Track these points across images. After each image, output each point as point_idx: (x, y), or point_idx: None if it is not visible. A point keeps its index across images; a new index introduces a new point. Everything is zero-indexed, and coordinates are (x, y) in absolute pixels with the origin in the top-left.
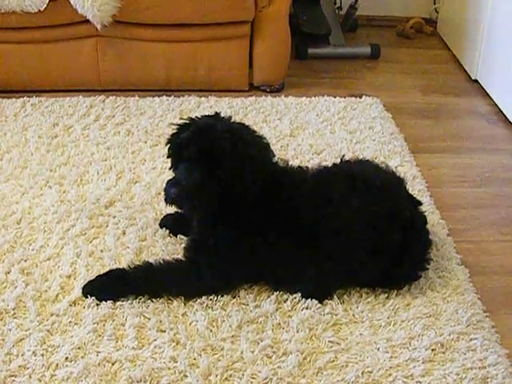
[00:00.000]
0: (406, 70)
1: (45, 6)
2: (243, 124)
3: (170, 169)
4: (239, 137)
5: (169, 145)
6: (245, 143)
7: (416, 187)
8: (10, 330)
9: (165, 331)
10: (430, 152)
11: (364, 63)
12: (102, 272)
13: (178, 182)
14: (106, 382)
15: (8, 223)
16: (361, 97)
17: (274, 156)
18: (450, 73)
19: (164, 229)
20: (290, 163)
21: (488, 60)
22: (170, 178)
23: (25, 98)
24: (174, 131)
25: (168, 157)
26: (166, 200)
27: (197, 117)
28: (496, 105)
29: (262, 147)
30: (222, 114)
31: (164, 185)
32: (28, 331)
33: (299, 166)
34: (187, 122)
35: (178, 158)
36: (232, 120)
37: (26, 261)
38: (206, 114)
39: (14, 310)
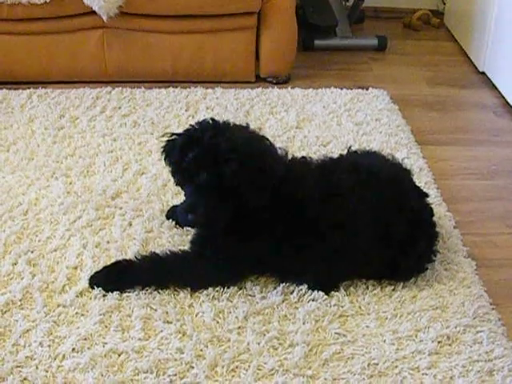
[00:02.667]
0: (413, 61)
1: None
2: (243, 128)
3: (176, 184)
4: (246, 154)
5: (167, 158)
6: (252, 159)
7: (423, 179)
8: (16, 321)
9: (171, 322)
10: (437, 144)
11: (371, 55)
12: (108, 263)
13: (192, 208)
14: (112, 372)
15: (14, 214)
16: (367, 89)
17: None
18: (457, 65)
19: (170, 220)
20: (294, 154)
21: (495, 52)
22: (181, 203)
23: (31, 90)
24: (170, 140)
25: (172, 174)
26: (181, 223)
27: (192, 125)
28: (503, 97)
29: (269, 155)
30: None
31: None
32: (35, 322)
33: (303, 157)
34: (183, 133)
35: (184, 178)
36: (230, 124)
37: (32, 252)
38: (202, 119)
39: (20, 301)
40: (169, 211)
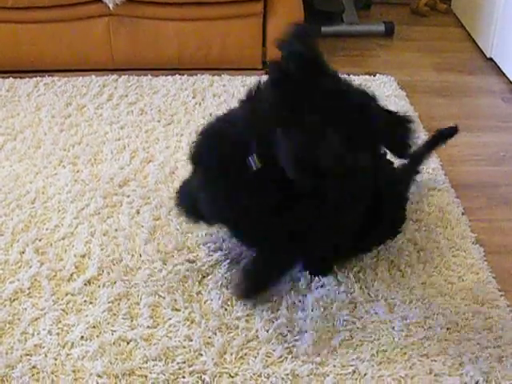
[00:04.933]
0: (420, 48)
1: None
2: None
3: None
4: None
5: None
6: None
7: (431, 165)
8: (25, 309)
9: (179, 310)
10: None
11: (378, 41)
12: (116, 251)
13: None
14: (121, 360)
15: (22, 203)
16: (375, 75)
17: None
18: (464, 51)
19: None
20: None
21: (503, 38)
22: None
23: (37, 78)
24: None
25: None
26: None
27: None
28: (511, 83)
29: None
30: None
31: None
32: (43, 310)
33: None
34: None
35: None
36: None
37: (40, 240)
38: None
39: (29, 289)
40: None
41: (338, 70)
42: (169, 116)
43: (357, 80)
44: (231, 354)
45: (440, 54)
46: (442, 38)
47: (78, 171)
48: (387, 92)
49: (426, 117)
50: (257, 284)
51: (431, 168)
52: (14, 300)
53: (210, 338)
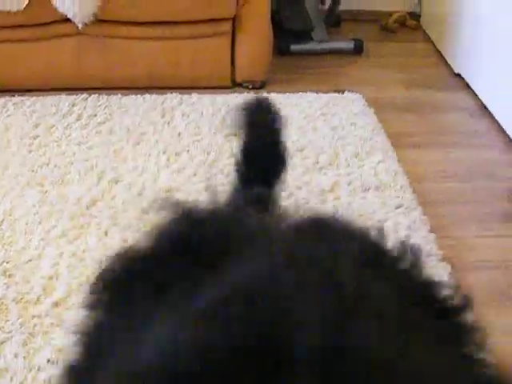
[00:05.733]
0: (389, 64)
1: (25, 4)
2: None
3: None
4: None
5: None
6: None
7: (398, 183)
8: None
9: None
10: (413, 147)
11: (347, 58)
12: (84, 272)
13: None
14: None
15: None
16: (343, 92)
17: None
18: (432, 66)
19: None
20: None
21: (471, 54)
22: None
23: (6, 98)
24: None
25: None
26: None
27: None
28: (479, 99)
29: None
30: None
31: None
32: (10, 333)
33: None
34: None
35: None
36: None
37: (7, 263)
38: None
39: None
40: None
41: (306, 87)
42: (137, 135)
43: (325, 98)
44: None
45: (409, 70)
46: (410, 54)
47: (45, 192)
48: (355, 109)
49: (394, 134)
50: None
51: (399, 185)
52: None
53: None
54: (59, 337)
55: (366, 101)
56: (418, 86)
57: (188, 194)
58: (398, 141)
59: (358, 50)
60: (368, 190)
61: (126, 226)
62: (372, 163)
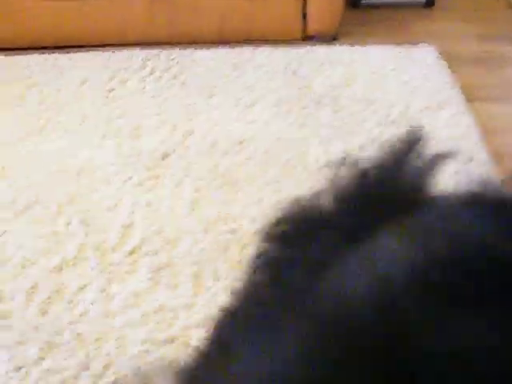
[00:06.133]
0: (462, 17)
1: None
2: None
3: None
4: None
5: None
6: None
7: (472, 137)
8: (71, 279)
9: (220, 279)
10: (486, 101)
11: (419, 11)
12: (158, 222)
13: None
14: (162, 328)
15: (67, 176)
16: (416, 45)
17: None
18: (507, 21)
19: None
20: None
21: None
22: None
23: (82, 53)
24: None
25: None
26: None
27: None
28: None
29: None
30: None
31: None
32: (88, 280)
33: None
34: None
35: None
36: None
37: (86, 212)
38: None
39: (74, 259)
40: None
41: (378, 40)
42: (210, 89)
43: (397, 50)
44: None
45: (482, 24)
46: (484, 8)
47: (120, 144)
48: (428, 62)
49: (467, 87)
50: None
51: (472, 139)
52: (60, 270)
53: None
54: (134, 283)
55: (439, 54)
56: (491, 39)
57: (261, 146)
58: (471, 94)
59: (430, 2)
60: (440, 143)
61: (198, 177)
62: (444, 116)
